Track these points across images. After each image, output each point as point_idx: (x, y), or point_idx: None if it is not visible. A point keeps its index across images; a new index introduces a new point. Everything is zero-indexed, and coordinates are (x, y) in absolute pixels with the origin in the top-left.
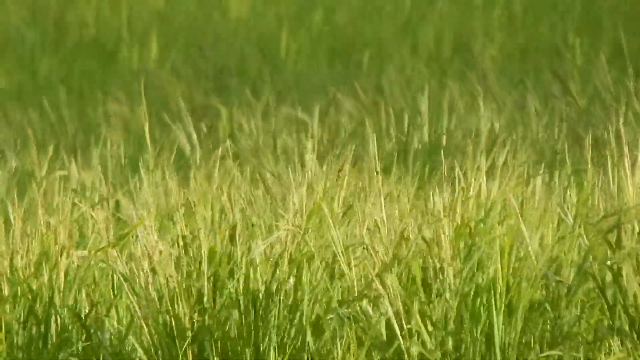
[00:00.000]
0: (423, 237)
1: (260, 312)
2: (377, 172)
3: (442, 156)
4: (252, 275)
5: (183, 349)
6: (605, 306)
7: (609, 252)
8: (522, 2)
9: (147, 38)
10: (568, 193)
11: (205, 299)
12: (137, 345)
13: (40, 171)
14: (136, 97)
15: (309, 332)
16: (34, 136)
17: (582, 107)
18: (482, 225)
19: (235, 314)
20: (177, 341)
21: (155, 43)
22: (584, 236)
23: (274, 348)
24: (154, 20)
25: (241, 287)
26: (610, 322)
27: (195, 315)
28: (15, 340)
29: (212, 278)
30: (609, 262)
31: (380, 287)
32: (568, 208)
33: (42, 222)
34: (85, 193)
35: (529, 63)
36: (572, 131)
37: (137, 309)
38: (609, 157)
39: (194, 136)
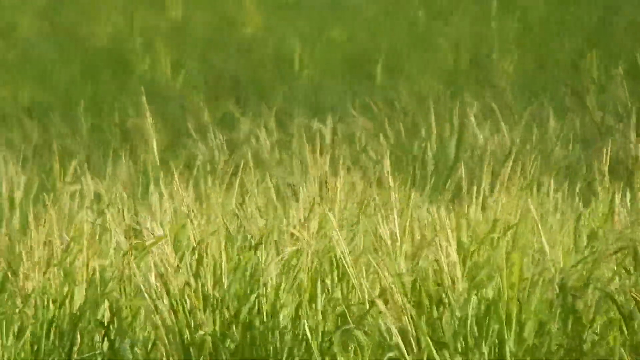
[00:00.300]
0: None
1: (278, 324)
2: (390, 186)
3: (462, 170)
4: (269, 290)
5: None
6: (623, 324)
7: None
8: (538, 15)
9: (161, 50)
10: (584, 208)
11: (226, 311)
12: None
13: (56, 183)
14: (151, 109)
15: (314, 345)
16: (49, 149)
17: (598, 121)
18: (491, 239)
19: (252, 325)
20: (193, 352)
21: (169, 55)
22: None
23: None
24: (169, 33)
25: (260, 300)
26: (629, 341)
27: (214, 327)
28: (40, 349)
29: (230, 289)
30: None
31: (383, 307)
32: (584, 223)
33: (58, 234)
34: (101, 205)
35: (545, 77)
36: (588, 145)
37: (158, 321)
38: (626, 171)
39: (209, 147)
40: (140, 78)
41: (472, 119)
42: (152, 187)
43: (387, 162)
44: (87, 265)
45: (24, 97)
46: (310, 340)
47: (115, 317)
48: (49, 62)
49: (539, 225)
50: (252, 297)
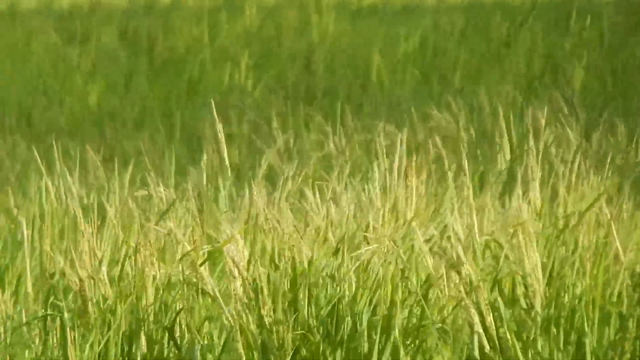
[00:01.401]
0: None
1: (358, 325)
2: (468, 187)
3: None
4: (347, 289)
5: None
6: None
7: None
8: (611, 21)
9: (237, 59)
10: None
11: (304, 311)
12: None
13: (125, 190)
14: (227, 117)
15: (401, 346)
16: (123, 154)
17: None
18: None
19: (331, 327)
20: (273, 356)
21: (245, 63)
22: None
23: None
24: (245, 41)
25: (339, 301)
26: None
27: (293, 330)
28: (108, 355)
29: (308, 291)
30: None
31: (470, 304)
32: None
33: (121, 238)
34: (172, 212)
35: (619, 83)
36: None
37: (231, 322)
38: None
39: (282, 153)
40: (217, 86)
41: (546, 124)
42: (223, 193)
43: (464, 164)
44: (157, 270)
45: (99, 104)
46: (394, 338)
47: (183, 323)
48: (123, 70)
49: (613, 226)
50: (332, 298)
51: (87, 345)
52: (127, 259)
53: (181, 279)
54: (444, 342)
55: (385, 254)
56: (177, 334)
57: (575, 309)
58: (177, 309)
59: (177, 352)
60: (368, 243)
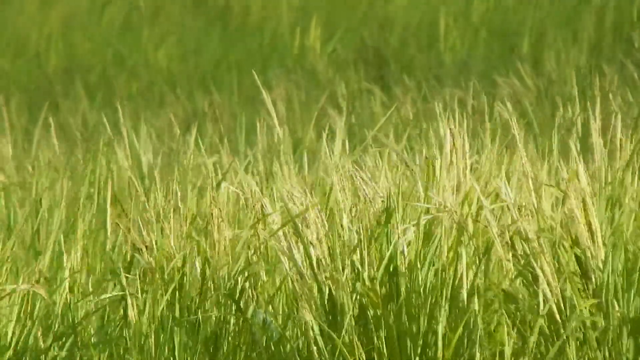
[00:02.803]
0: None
1: (426, 294)
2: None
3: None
4: (411, 256)
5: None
6: None
7: None
8: None
9: (308, 23)
10: None
11: (365, 274)
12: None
13: (192, 155)
14: (296, 82)
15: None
16: (191, 119)
17: None
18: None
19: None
20: (338, 318)
21: (315, 28)
22: None
23: (442, 331)
24: (316, 5)
25: (402, 269)
26: None
27: (357, 292)
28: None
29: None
30: None
31: (539, 270)
32: None
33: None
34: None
35: None
36: None
37: (297, 287)
38: None
39: (351, 120)
40: (288, 51)
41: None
42: (282, 158)
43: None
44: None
45: (170, 70)
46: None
47: (251, 288)
48: (195, 37)
49: None
50: (390, 264)
51: (149, 303)
52: (197, 220)
53: (255, 243)
54: (509, 305)
55: (449, 219)
56: (242, 298)
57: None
58: (246, 273)
59: (241, 315)
60: (428, 210)
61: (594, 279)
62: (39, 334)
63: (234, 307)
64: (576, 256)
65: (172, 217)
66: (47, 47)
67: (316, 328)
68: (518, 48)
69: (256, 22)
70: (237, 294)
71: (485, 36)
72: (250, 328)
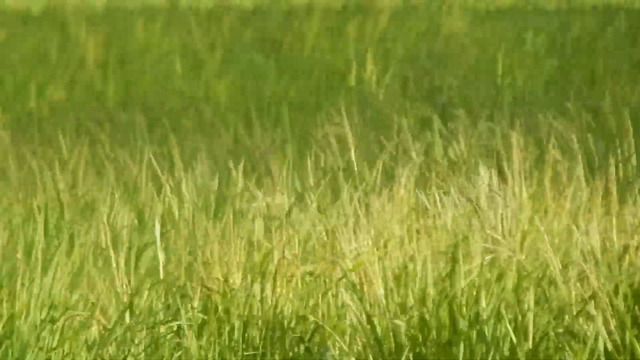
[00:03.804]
0: None
1: (483, 329)
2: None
3: None
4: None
5: None
6: None
7: None
8: None
9: (364, 58)
10: None
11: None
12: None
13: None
14: (355, 116)
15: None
16: (252, 155)
17: None
18: None
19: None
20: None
21: (373, 63)
22: None
23: None
24: (376, 41)
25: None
26: None
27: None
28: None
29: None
30: None
31: (593, 309)
32: None
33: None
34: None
35: None
36: None
37: (359, 324)
38: None
39: (412, 154)
40: (346, 85)
41: None
42: (345, 192)
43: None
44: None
45: (225, 102)
46: (515, 343)
47: (316, 332)
48: (258, 70)
49: None
50: (448, 300)
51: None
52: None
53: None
54: (569, 347)
55: (507, 260)
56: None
57: None
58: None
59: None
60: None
61: None
62: None
63: (302, 348)
64: None
65: (240, 253)
66: (104, 79)
67: None
68: (575, 86)
69: (310, 55)
70: (308, 336)
71: (542, 70)
72: None
